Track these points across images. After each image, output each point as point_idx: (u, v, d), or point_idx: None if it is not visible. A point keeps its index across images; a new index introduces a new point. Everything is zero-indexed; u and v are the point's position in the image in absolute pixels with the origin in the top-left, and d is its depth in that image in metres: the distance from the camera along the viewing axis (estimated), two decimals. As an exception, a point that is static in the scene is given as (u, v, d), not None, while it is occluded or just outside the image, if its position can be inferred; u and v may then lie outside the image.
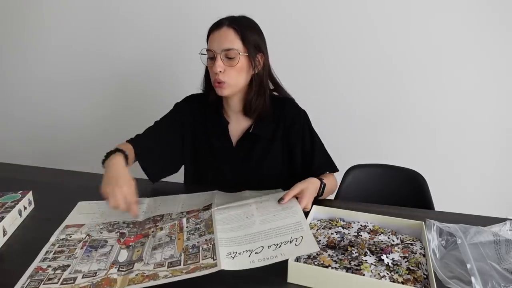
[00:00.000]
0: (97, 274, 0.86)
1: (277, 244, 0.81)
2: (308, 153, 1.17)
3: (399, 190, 1.39)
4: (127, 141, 1.17)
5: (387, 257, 0.80)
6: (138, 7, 1.93)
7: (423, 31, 1.73)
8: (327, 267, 0.77)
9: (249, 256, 0.79)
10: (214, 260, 0.80)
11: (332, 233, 0.90)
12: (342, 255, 0.81)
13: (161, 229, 1.00)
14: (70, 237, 1.00)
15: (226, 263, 0.76)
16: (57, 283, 0.83)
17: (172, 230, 1.01)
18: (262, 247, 0.81)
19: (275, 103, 1.17)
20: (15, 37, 2.15)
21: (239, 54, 1.05)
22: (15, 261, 0.85)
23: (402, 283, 0.73)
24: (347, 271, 0.76)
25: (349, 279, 0.73)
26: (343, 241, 0.86)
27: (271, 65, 1.17)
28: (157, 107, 2.02)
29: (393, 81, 1.82)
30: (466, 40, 1.70)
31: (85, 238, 1.01)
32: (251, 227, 0.89)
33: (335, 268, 0.77)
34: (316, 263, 0.79)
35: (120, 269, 0.87)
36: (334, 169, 1.19)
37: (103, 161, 1.01)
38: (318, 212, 1.00)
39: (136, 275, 0.83)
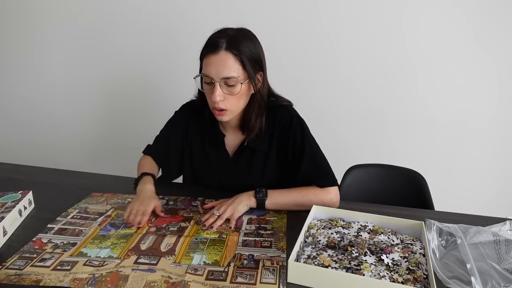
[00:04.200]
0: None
1: None
2: (295, 160, 1.11)
3: (399, 190, 1.39)
4: (146, 153, 1.25)
5: (387, 257, 0.80)
6: (139, 10, 1.93)
7: (422, 32, 1.73)
8: (327, 267, 0.77)
9: None
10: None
11: (332, 233, 0.90)
12: (342, 255, 0.81)
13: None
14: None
15: None
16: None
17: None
18: None
19: (269, 113, 1.12)
20: (16, 38, 2.15)
21: (240, 83, 0.98)
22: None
23: (402, 283, 0.73)
24: (347, 271, 0.76)
25: (349, 279, 0.73)
26: (343, 241, 0.86)
27: (267, 71, 1.10)
28: (156, 108, 2.04)
29: (393, 81, 1.82)
30: (467, 41, 1.71)
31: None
32: None
33: (335, 268, 0.77)
34: (316, 263, 0.79)
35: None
36: (323, 182, 1.07)
37: (135, 185, 1.09)
38: (318, 212, 1.00)
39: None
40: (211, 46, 0.97)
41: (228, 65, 0.96)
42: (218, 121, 1.14)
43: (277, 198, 1.05)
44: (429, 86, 1.80)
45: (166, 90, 2.04)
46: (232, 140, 1.17)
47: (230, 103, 1.00)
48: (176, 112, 1.25)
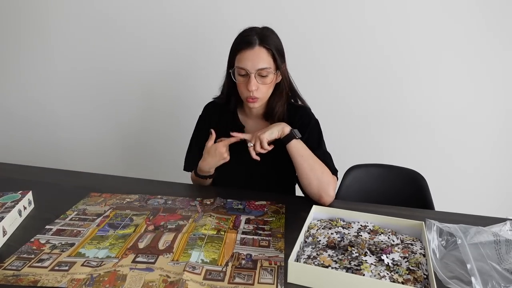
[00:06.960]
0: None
1: None
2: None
3: (399, 190, 1.39)
4: (190, 170, 1.30)
5: (387, 257, 0.80)
6: (139, 7, 1.94)
7: (421, 32, 1.73)
8: (327, 267, 0.77)
9: None
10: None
11: (332, 233, 0.89)
12: (342, 255, 0.81)
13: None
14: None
15: None
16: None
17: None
18: None
19: (290, 110, 1.22)
20: (16, 36, 2.15)
21: (273, 72, 1.11)
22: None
23: (402, 283, 0.73)
24: (347, 271, 0.76)
25: (349, 279, 0.73)
26: (343, 241, 0.86)
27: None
28: (157, 109, 2.04)
29: (393, 81, 1.82)
30: (464, 41, 1.70)
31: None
32: None
33: (335, 268, 0.77)
34: (316, 263, 0.79)
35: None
36: (331, 170, 1.15)
37: (196, 172, 1.21)
38: (318, 212, 1.00)
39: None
40: (246, 43, 1.10)
41: (263, 58, 1.09)
42: (238, 113, 1.26)
43: (304, 147, 1.11)
44: (429, 86, 1.80)
45: (166, 90, 2.04)
46: (253, 130, 1.22)
47: (261, 92, 1.12)
48: (200, 117, 1.32)
